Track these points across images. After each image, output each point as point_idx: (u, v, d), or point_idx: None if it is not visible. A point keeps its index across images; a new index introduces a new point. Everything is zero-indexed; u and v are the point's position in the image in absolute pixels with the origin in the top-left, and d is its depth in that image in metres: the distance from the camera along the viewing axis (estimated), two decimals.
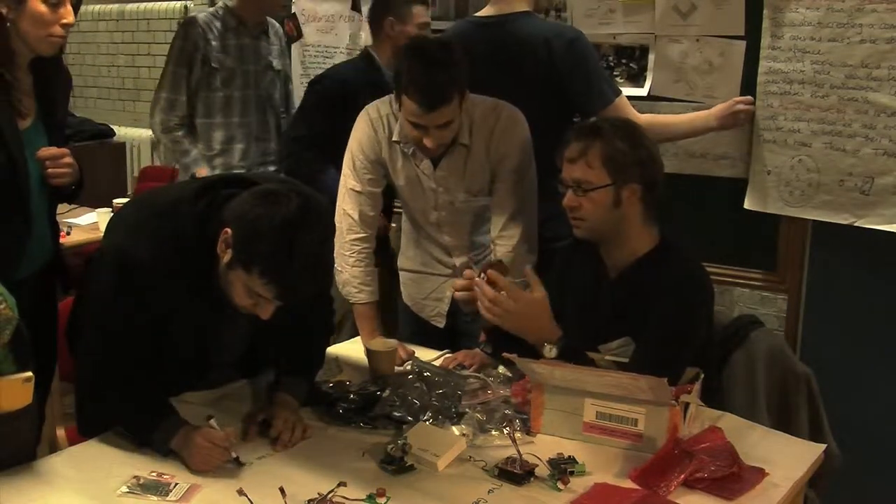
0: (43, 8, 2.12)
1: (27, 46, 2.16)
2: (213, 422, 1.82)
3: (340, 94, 3.15)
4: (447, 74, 2.20)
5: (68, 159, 2.26)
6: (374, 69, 3.25)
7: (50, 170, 2.21)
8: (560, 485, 1.72)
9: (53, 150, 2.24)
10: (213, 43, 3.61)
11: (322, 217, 1.80)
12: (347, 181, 2.51)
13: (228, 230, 1.75)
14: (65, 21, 2.15)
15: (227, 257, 1.77)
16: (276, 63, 3.78)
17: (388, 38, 3.23)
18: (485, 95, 2.45)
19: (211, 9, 3.78)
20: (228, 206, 1.79)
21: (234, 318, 1.91)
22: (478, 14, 2.87)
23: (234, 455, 1.80)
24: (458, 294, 2.19)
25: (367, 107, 2.52)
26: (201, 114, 3.66)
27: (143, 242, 1.83)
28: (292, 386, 2.05)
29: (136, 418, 1.87)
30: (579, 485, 1.73)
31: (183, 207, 1.86)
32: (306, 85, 3.55)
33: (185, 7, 4.94)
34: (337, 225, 2.49)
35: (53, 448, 2.22)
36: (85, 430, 1.94)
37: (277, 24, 3.89)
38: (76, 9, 2.21)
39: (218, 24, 3.63)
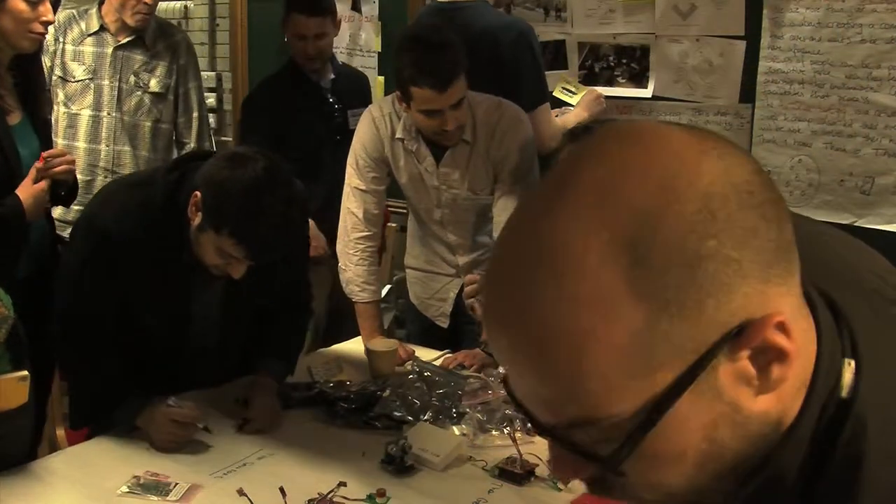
0: (23, 6, 2.16)
1: (7, 43, 2.19)
2: (172, 400, 1.85)
3: (271, 98, 3.16)
4: (449, 52, 2.23)
5: (72, 157, 2.29)
6: (298, 72, 3.18)
7: (56, 168, 2.22)
8: (560, 485, 1.72)
9: (57, 150, 2.27)
10: (68, 47, 3.02)
11: (288, 178, 1.85)
12: (351, 180, 2.51)
13: (198, 193, 1.81)
14: (44, 19, 2.19)
15: (197, 220, 1.82)
16: (154, 84, 3.06)
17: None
18: None
19: (85, 6, 3.11)
20: (198, 172, 1.85)
21: (204, 286, 1.97)
22: None
23: (201, 426, 1.85)
24: (467, 301, 2.18)
25: (369, 106, 2.53)
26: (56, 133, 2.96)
27: (111, 211, 1.89)
28: (271, 366, 2.08)
29: (101, 393, 1.91)
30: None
31: (156, 179, 1.93)
32: None
33: (185, 7, 4.93)
34: (341, 223, 2.51)
35: (53, 448, 2.22)
36: (74, 422, 1.96)
37: (180, 36, 3.20)
38: (55, 7, 2.25)
39: (82, 24, 3.03)
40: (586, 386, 0.57)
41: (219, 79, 4.75)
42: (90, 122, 3.03)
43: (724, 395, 0.59)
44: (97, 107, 3.03)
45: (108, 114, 3.03)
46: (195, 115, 3.18)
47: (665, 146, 0.59)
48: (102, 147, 3.04)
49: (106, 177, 3.01)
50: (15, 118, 2.24)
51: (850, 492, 0.60)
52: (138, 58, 3.04)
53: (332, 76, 3.22)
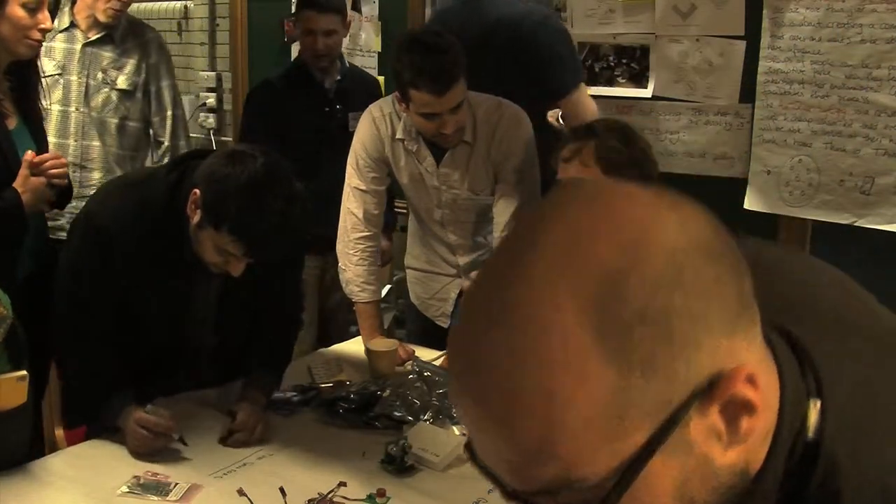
0: (21, 13, 2.16)
1: (5, 50, 2.20)
2: (150, 406, 1.85)
3: (271, 96, 3.20)
4: (449, 56, 2.22)
5: (64, 160, 2.29)
6: (304, 72, 3.21)
7: (51, 170, 2.23)
8: None
9: (50, 154, 2.28)
10: (45, 44, 3.03)
11: (288, 176, 1.84)
12: (351, 180, 2.51)
13: (197, 191, 1.81)
14: (42, 26, 2.20)
15: (196, 217, 1.82)
16: (122, 81, 3.07)
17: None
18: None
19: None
20: (197, 169, 1.85)
21: (202, 288, 1.97)
22: None
23: (176, 436, 1.84)
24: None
25: (370, 106, 2.53)
26: None
27: (110, 209, 1.89)
28: (259, 380, 2.06)
29: (97, 392, 1.90)
30: None
31: (156, 177, 1.93)
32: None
33: (185, 7, 4.93)
34: (341, 224, 2.51)
35: (53, 448, 2.22)
36: (71, 420, 1.97)
37: (151, 35, 3.21)
38: (53, 14, 2.25)
39: (55, 21, 2.87)
40: (558, 449, 0.57)
41: (219, 79, 4.75)
42: (59, 117, 3.03)
43: (694, 449, 0.59)
44: (66, 102, 3.03)
45: (77, 109, 3.03)
46: (169, 113, 3.18)
47: (627, 205, 0.60)
48: (71, 142, 3.04)
49: (74, 171, 2.97)
50: (12, 123, 2.25)
51: None
52: (107, 55, 3.05)
53: (338, 77, 3.22)
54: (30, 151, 2.21)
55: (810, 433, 0.63)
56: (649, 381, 0.56)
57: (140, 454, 1.82)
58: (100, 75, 3.04)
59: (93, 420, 1.96)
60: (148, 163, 3.21)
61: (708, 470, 0.60)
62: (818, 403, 0.64)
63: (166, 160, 3.11)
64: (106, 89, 3.05)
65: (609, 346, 0.55)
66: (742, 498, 0.62)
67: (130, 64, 3.08)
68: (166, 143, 3.18)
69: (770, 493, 0.63)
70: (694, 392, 0.57)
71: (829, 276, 0.79)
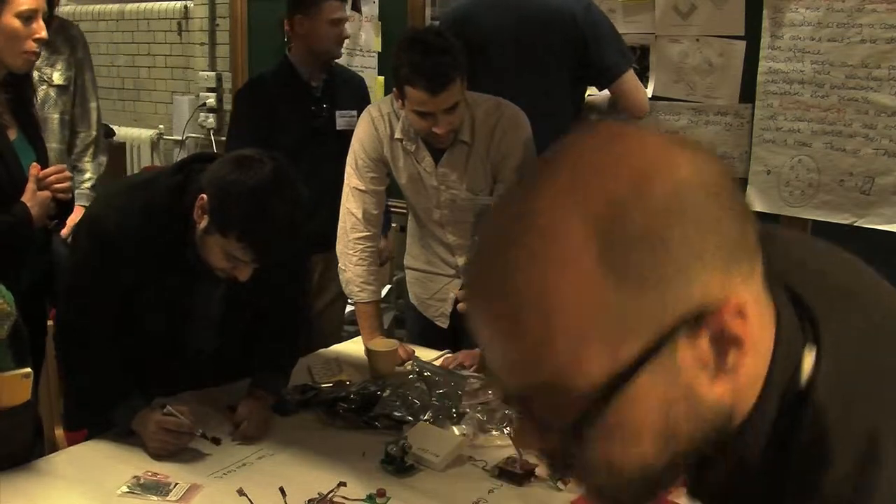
0: (16, 23, 2.13)
1: (1, 63, 2.18)
2: (169, 408, 1.85)
3: (260, 94, 3.19)
4: (447, 57, 2.21)
5: (68, 173, 2.30)
6: (291, 71, 3.20)
7: (56, 184, 2.23)
8: (560, 485, 1.72)
9: (54, 168, 2.27)
10: None
11: (294, 181, 1.84)
12: (350, 180, 2.51)
13: (204, 196, 1.80)
14: (38, 36, 2.17)
15: (203, 223, 1.81)
16: (57, 77, 3.10)
17: (298, 36, 3.18)
18: (502, 73, 2.45)
19: None
20: (204, 174, 1.84)
21: (204, 290, 1.96)
22: None
23: (199, 432, 1.84)
24: (460, 307, 2.20)
25: (368, 106, 2.53)
26: None
27: (114, 212, 1.89)
28: (267, 380, 2.06)
29: (100, 394, 1.91)
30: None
31: (160, 180, 1.92)
32: None
33: (185, 7, 4.93)
34: (341, 224, 2.51)
35: (53, 448, 2.22)
36: (71, 422, 1.97)
37: (76, 31, 3.22)
38: (48, 25, 2.23)
39: None
40: (554, 347, 0.61)
41: (219, 79, 4.76)
42: None
43: (681, 375, 0.62)
44: None
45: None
46: (92, 105, 3.22)
47: (644, 144, 0.64)
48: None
49: None
50: (13, 134, 2.25)
51: (818, 477, 0.63)
52: (44, 53, 3.01)
53: (324, 76, 3.21)
54: (36, 165, 2.20)
55: (803, 381, 0.65)
56: (642, 298, 0.60)
57: (160, 455, 1.82)
58: (36, 74, 3.00)
59: (101, 424, 1.95)
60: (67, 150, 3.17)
61: (694, 399, 0.62)
62: (813, 352, 0.66)
63: (91, 151, 3.17)
64: (43, 87, 3.06)
65: (608, 259, 0.59)
66: (734, 437, 0.65)
67: (62, 60, 3.12)
68: (94, 133, 3.20)
69: (761, 434, 0.65)
70: (684, 317, 0.60)
71: (842, 255, 0.81)
